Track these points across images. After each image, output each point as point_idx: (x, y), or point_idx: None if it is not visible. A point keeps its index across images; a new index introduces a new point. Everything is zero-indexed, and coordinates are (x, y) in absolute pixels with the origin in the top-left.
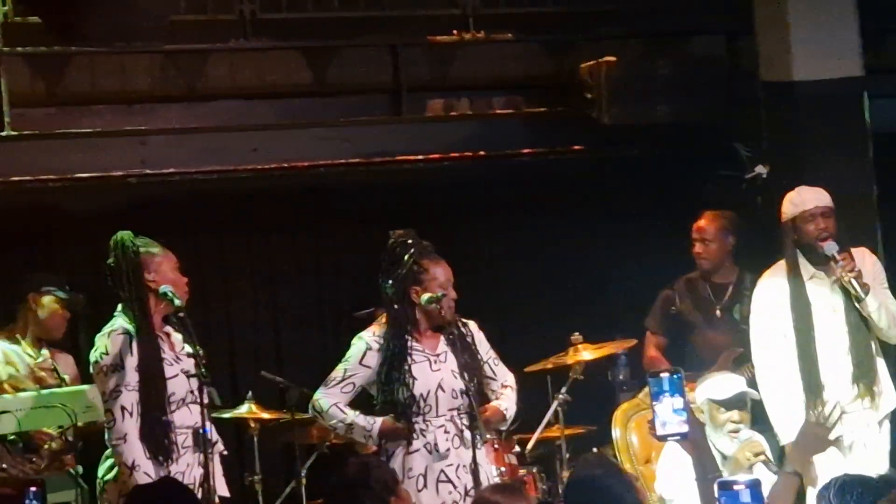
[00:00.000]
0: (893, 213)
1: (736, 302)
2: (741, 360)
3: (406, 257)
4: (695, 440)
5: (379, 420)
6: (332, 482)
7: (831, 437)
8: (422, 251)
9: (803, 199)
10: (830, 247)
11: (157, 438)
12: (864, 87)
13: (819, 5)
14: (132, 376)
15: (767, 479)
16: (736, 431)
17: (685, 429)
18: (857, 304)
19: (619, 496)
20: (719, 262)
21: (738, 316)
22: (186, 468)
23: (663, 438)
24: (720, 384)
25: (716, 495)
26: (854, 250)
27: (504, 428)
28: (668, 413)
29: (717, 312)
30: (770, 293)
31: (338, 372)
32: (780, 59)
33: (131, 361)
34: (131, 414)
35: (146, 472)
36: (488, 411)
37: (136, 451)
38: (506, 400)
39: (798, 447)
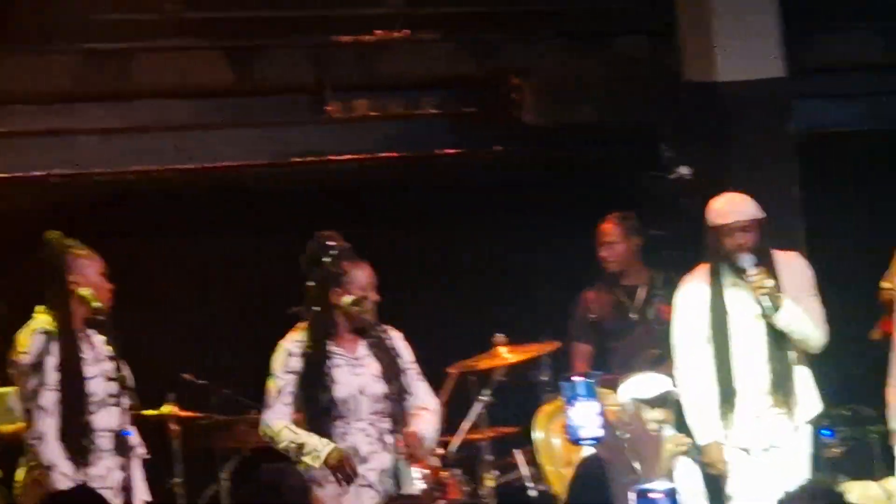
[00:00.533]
0: (817, 212)
1: (649, 303)
2: (659, 360)
3: (326, 259)
4: (610, 444)
5: (330, 447)
6: (245, 489)
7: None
8: (342, 253)
9: (724, 213)
10: (745, 260)
11: (76, 439)
12: (787, 88)
13: (742, 6)
14: (51, 376)
15: (691, 471)
16: (660, 430)
17: (600, 433)
18: (768, 318)
19: None
20: (627, 263)
21: (653, 316)
22: (106, 472)
23: (577, 442)
24: (644, 383)
25: (632, 503)
26: (783, 255)
27: (420, 453)
28: (583, 417)
29: (632, 315)
30: (692, 296)
31: (271, 388)
32: (704, 60)
33: (51, 361)
34: (50, 414)
35: (63, 472)
36: (406, 438)
37: (53, 451)
38: (423, 422)
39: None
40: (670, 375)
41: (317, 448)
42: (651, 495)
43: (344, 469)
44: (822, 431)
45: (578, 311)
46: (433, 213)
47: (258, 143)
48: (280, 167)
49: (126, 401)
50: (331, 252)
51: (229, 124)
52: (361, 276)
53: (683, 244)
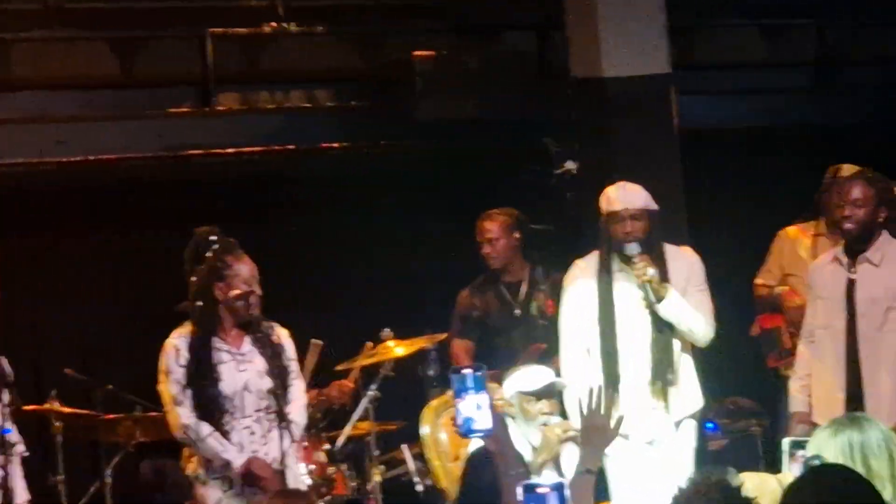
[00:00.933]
0: (700, 207)
1: (531, 298)
2: (546, 355)
3: (208, 255)
4: (498, 437)
5: (244, 459)
6: (127, 486)
7: (615, 426)
8: (225, 247)
9: (613, 200)
10: (630, 248)
11: None
12: (672, 84)
13: (628, 2)
14: None
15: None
16: (547, 422)
17: (489, 425)
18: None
19: None
20: (508, 259)
21: (536, 311)
22: None
23: (466, 435)
24: (528, 376)
25: (519, 498)
26: (674, 249)
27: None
28: (472, 410)
29: (516, 311)
30: (580, 282)
31: (171, 387)
32: (590, 56)
33: None
34: None
35: None
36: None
37: None
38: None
39: (585, 445)
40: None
41: (233, 462)
42: (538, 490)
43: (259, 483)
44: (706, 425)
45: (460, 307)
46: (320, 208)
47: (143, 135)
48: (165, 160)
49: (6, 397)
50: (213, 247)
51: (114, 116)
52: (245, 270)
53: (567, 239)
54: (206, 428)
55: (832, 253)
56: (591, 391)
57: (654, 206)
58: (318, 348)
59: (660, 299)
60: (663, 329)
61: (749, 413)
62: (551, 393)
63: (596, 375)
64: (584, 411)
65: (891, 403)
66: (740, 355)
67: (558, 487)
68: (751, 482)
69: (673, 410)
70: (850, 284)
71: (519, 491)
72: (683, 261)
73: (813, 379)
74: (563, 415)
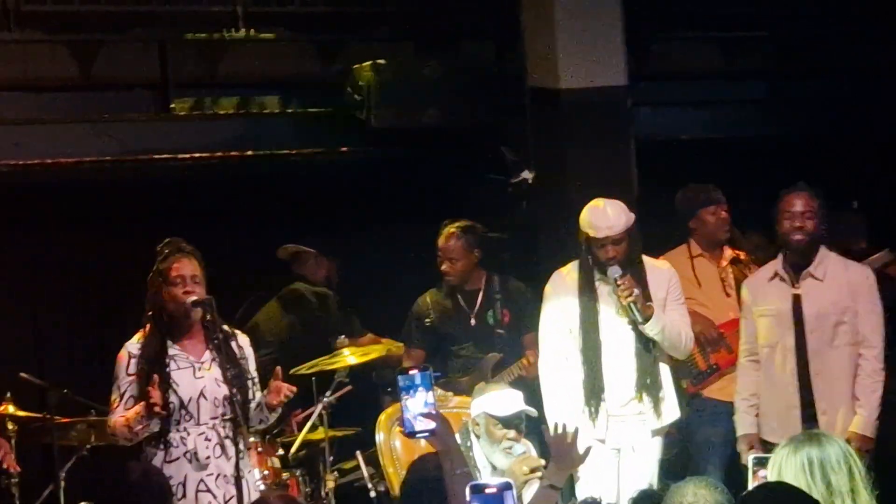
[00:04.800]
0: (655, 218)
1: (488, 308)
2: (501, 365)
3: (165, 261)
4: (442, 436)
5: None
6: (109, 485)
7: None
8: (171, 251)
9: (596, 227)
10: (613, 271)
11: None
12: (628, 95)
13: (585, 14)
14: None
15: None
16: (510, 448)
17: (433, 425)
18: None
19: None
20: (467, 276)
21: (493, 321)
22: None
23: (412, 435)
24: (499, 400)
25: (468, 498)
26: (652, 263)
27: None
28: (419, 408)
29: (472, 320)
30: (560, 294)
31: (114, 394)
32: (547, 66)
33: None
34: None
35: None
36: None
37: None
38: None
39: (552, 462)
40: (512, 380)
41: (138, 411)
42: (486, 491)
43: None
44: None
45: (414, 315)
46: (277, 213)
47: (99, 139)
48: (123, 164)
49: None
50: (168, 253)
51: (70, 120)
52: (188, 271)
53: (523, 247)
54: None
55: (770, 269)
56: (558, 420)
57: (631, 220)
58: None
59: (646, 319)
60: (646, 341)
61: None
62: (519, 420)
63: (575, 385)
64: (553, 434)
65: (844, 418)
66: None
67: (506, 487)
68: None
69: (656, 419)
70: (796, 300)
71: (467, 491)
72: (661, 274)
73: (763, 398)
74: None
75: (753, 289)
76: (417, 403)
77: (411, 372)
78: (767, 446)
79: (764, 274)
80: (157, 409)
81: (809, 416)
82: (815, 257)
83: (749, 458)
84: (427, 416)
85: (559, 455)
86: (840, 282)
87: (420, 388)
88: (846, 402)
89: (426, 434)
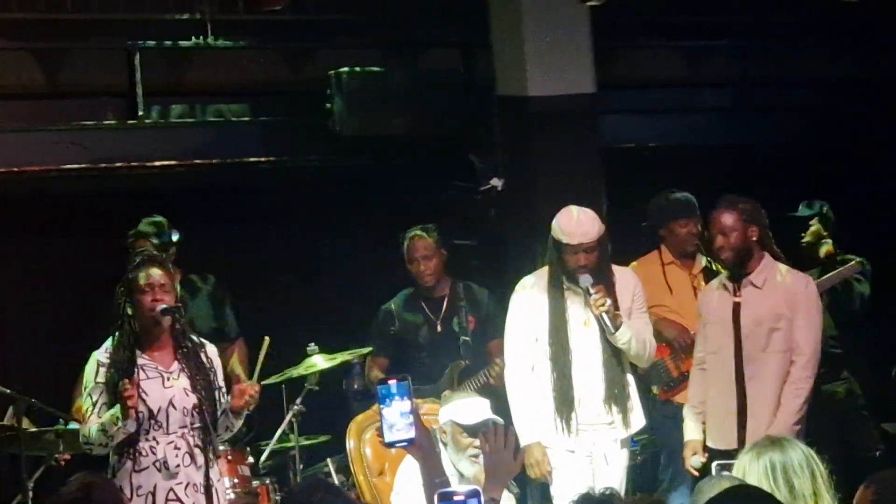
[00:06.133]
0: (621, 226)
1: (453, 314)
2: (466, 373)
3: (133, 269)
4: (422, 445)
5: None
6: (51, 501)
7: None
8: (150, 261)
9: (569, 233)
10: (585, 280)
11: None
12: (596, 104)
13: (553, 22)
14: None
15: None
16: (476, 456)
17: (412, 434)
18: (608, 336)
19: None
20: (441, 274)
21: (458, 328)
22: None
23: (391, 444)
24: (466, 408)
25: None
26: (618, 271)
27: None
28: (396, 418)
29: (438, 328)
30: (529, 300)
31: (85, 402)
32: (515, 74)
33: None
34: None
35: None
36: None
37: None
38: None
39: (489, 477)
40: (479, 388)
41: (113, 413)
42: (455, 497)
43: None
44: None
45: (378, 324)
46: (245, 221)
47: (66, 147)
48: (90, 172)
49: None
50: (138, 262)
51: (36, 128)
52: (156, 281)
53: (490, 255)
54: (87, 427)
55: (720, 279)
56: (495, 427)
57: (603, 229)
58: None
59: (616, 328)
60: (613, 350)
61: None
62: (487, 428)
63: (542, 394)
64: (489, 446)
65: (768, 423)
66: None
67: (474, 495)
68: None
69: (625, 428)
70: (736, 308)
71: (435, 499)
72: (627, 283)
73: (707, 404)
74: None
75: (702, 298)
76: (395, 413)
77: (389, 381)
78: (712, 452)
79: (713, 284)
80: (131, 402)
81: (743, 422)
82: (759, 265)
83: (713, 465)
84: (405, 424)
85: (497, 466)
86: (778, 289)
87: (397, 398)
88: (774, 408)
89: (405, 444)
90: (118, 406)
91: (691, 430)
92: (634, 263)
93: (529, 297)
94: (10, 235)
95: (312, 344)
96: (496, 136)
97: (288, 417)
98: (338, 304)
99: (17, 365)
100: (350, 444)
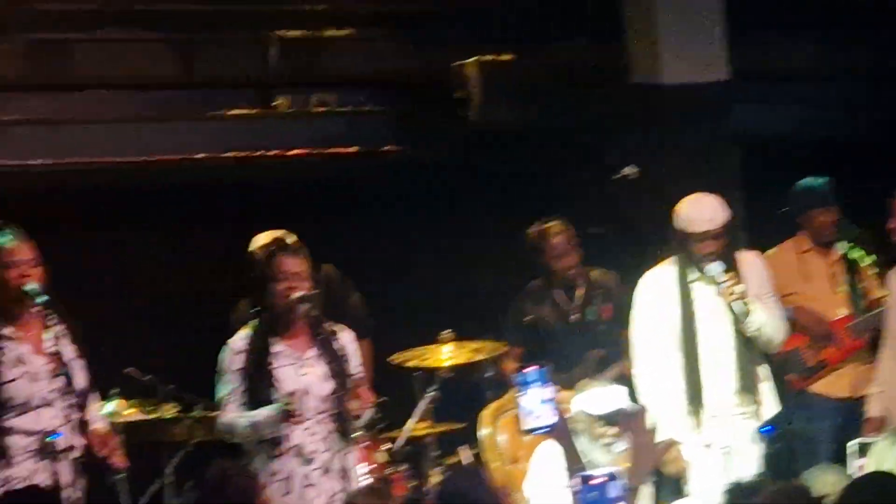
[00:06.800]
0: (757, 215)
1: (588, 303)
2: (605, 362)
3: (268, 256)
4: (561, 432)
5: (277, 405)
6: (193, 486)
7: (661, 452)
8: (279, 248)
9: (695, 221)
10: (713, 268)
11: None
12: (731, 92)
13: (687, 10)
14: None
15: None
16: (611, 445)
17: (552, 420)
18: (739, 325)
19: None
20: (574, 269)
21: (593, 317)
22: (29, 473)
23: (531, 431)
24: (600, 398)
25: (575, 489)
26: (744, 255)
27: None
28: (536, 405)
29: (572, 317)
30: (655, 292)
31: (223, 390)
32: (649, 63)
33: None
34: None
35: None
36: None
37: None
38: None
39: (633, 464)
40: (617, 377)
41: (269, 414)
42: (593, 481)
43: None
44: (762, 429)
45: (512, 314)
46: (379, 211)
47: (202, 136)
48: (224, 161)
49: (69, 400)
50: (272, 248)
51: (173, 117)
52: (296, 268)
53: (624, 244)
54: (231, 416)
55: None
56: (637, 416)
57: (729, 215)
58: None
59: (748, 314)
60: (744, 338)
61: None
62: (619, 417)
63: (673, 386)
64: (634, 434)
65: None
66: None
67: (614, 477)
68: (817, 479)
69: (757, 416)
70: None
71: (575, 481)
72: (753, 268)
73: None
74: None
75: (892, 280)
76: (534, 400)
77: (528, 369)
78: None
79: None
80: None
81: None
82: None
83: (852, 444)
84: (544, 411)
85: (636, 456)
86: None
87: (537, 385)
88: None
89: (545, 430)
90: (276, 407)
91: (873, 409)
92: (772, 251)
93: (656, 288)
94: (145, 223)
95: (447, 331)
96: (630, 125)
97: (422, 405)
98: (472, 292)
99: (155, 352)
100: (484, 431)
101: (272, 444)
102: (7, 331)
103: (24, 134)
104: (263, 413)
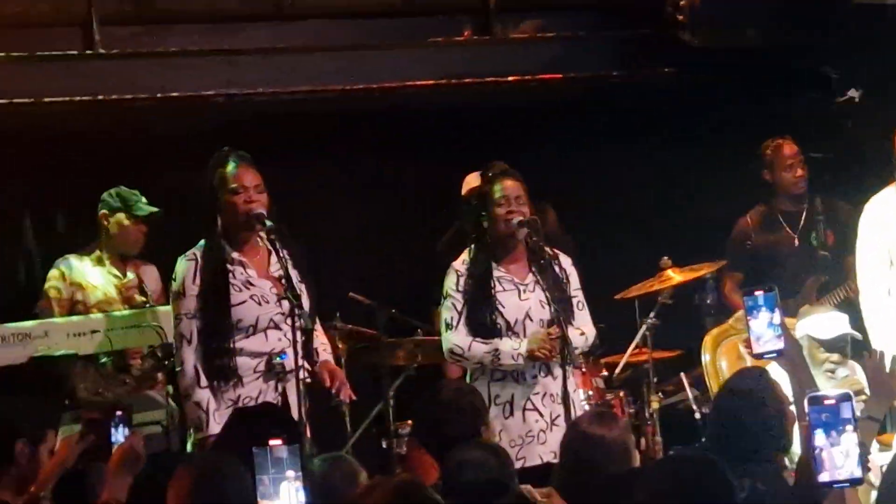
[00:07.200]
0: None
1: (811, 228)
2: (825, 288)
3: (487, 183)
4: (791, 356)
5: (526, 341)
6: (424, 404)
7: None
8: (496, 174)
9: None
10: None
11: (215, 367)
12: None
13: None
14: (192, 303)
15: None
16: (833, 371)
17: (781, 345)
18: None
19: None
20: (803, 189)
21: (816, 242)
22: (257, 393)
23: (759, 356)
24: (824, 323)
25: (806, 409)
26: None
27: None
28: (764, 329)
29: (795, 241)
30: (879, 221)
31: (450, 311)
32: None
33: (192, 289)
34: (189, 342)
35: (196, 401)
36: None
37: (189, 379)
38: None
39: (873, 394)
40: (837, 302)
41: (514, 347)
42: (825, 402)
43: (546, 349)
44: None
45: (736, 236)
46: (597, 136)
47: (421, 63)
48: (443, 88)
49: (295, 322)
50: (492, 175)
51: (392, 45)
52: (524, 197)
53: (847, 168)
54: (465, 340)
55: None
56: (878, 351)
57: None
58: None
59: None
60: None
61: None
62: (843, 343)
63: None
64: (871, 364)
65: None
66: None
67: (845, 398)
68: None
69: None
70: None
71: (805, 403)
72: None
73: None
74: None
75: None
76: (762, 324)
77: (756, 292)
78: None
79: None
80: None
81: None
82: None
83: None
84: (773, 335)
85: (877, 386)
86: None
87: (764, 309)
88: None
89: (774, 354)
90: (523, 344)
91: None
92: None
93: (882, 215)
94: (365, 150)
95: (666, 258)
96: (852, 46)
97: (641, 331)
98: (692, 217)
99: (375, 277)
100: (706, 357)
101: (492, 368)
102: (235, 255)
103: (247, 63)
104: (507, 344)
